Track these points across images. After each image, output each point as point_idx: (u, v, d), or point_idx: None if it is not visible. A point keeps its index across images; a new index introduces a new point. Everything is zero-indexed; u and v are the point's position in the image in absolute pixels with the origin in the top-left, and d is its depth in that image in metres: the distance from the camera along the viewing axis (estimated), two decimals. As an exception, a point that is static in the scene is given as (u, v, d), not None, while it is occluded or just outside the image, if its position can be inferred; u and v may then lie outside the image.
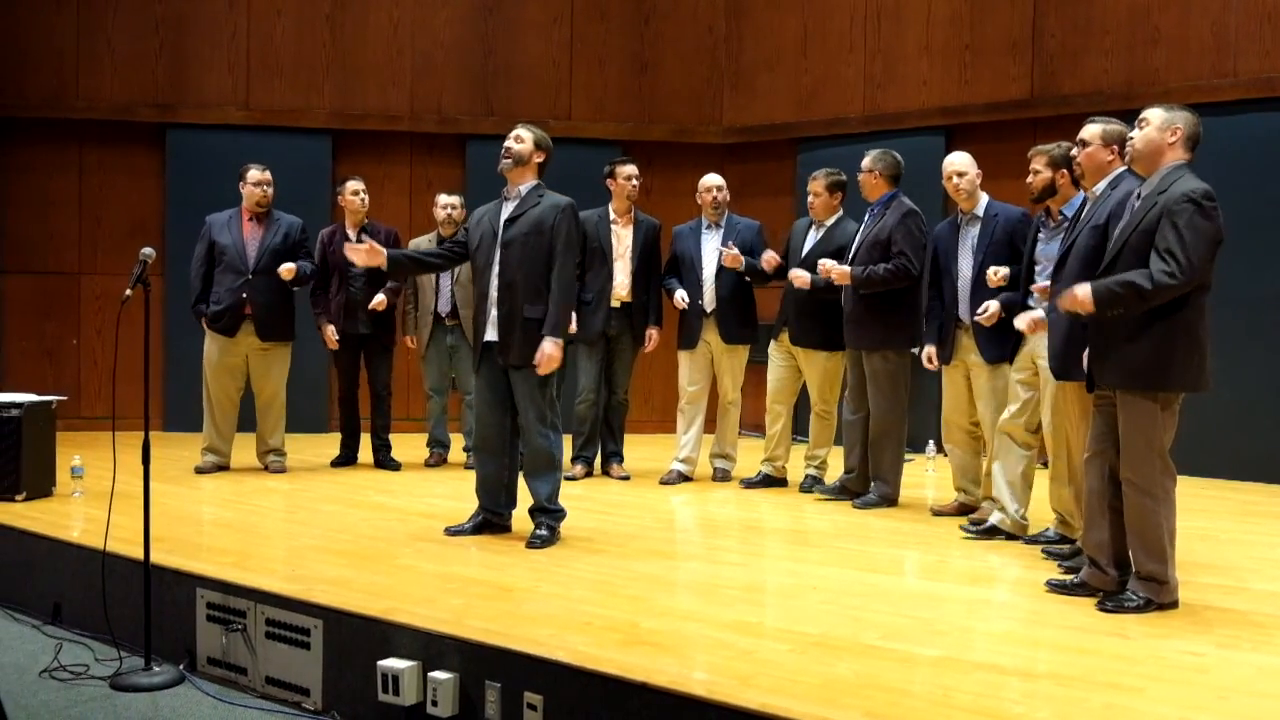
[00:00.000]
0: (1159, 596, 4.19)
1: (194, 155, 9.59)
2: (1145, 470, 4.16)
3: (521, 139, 5.28)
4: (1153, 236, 4.07)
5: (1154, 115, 4.24)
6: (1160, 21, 8.12)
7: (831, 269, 6.31)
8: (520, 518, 5.46)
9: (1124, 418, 4.20)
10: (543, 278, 5.20)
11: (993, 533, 5.54)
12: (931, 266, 6.11)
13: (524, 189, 5.29)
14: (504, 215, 5.28)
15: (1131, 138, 4.30)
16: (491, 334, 5.25)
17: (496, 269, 5.23)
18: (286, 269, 7.09)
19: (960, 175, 5.89)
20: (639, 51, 10.18)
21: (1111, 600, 4.22)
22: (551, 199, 5.27)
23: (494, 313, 5.23)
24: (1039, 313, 4.97)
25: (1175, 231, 4.01)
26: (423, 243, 7.63)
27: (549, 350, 5.11)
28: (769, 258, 6.80)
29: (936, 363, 6.04)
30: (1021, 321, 5.05)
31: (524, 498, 5.42)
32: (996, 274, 5.63)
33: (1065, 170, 5.32)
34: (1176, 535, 4.26)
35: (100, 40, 9.66)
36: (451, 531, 5.42)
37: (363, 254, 5.29)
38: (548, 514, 5.30)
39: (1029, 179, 5.41)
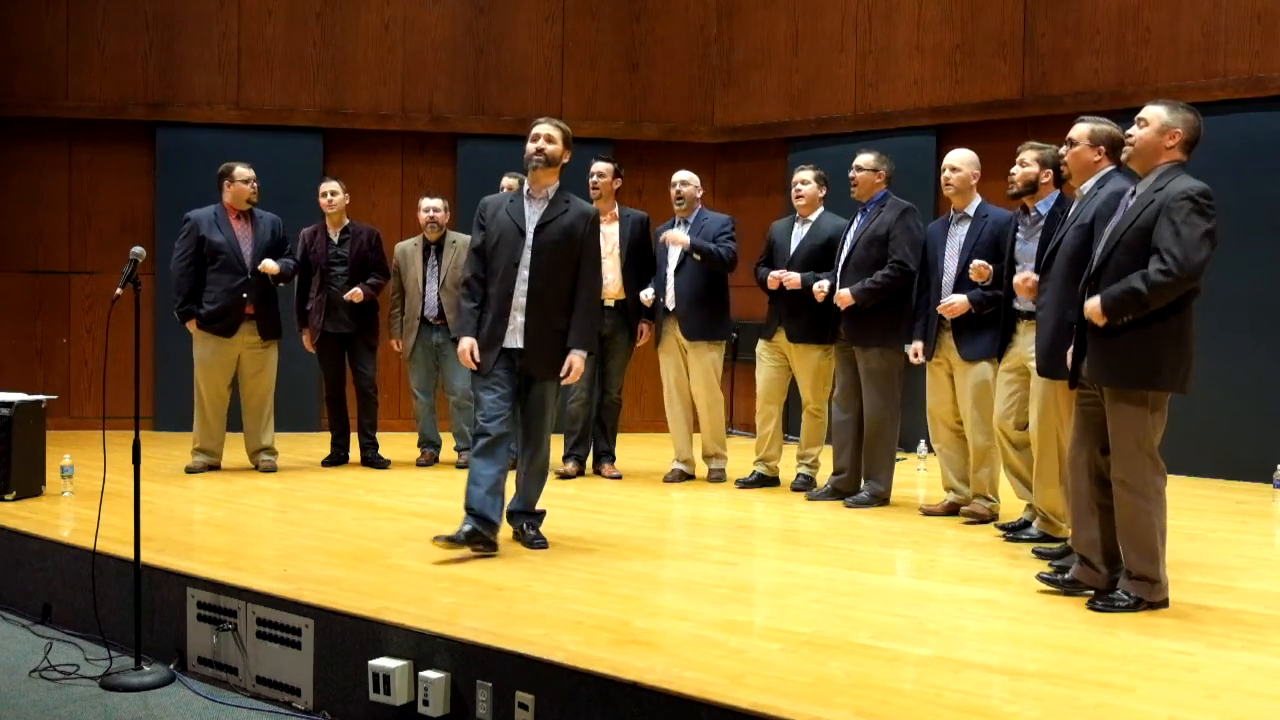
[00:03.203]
0: (1150, 596, 4.20)
1: (184, 154, 9.56)
2: (1136, 470, 4.17)
3: (553, 139, 5.08)
4: (1148, 234, 4.09)
5: (1155, 118, 4.24)
6: (1150, 21, 8.14)
7: (838, 297, 6.28)
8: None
9: (1114, 418, 4.21)
10: (568, 288, 5.10)
11: (1025, 527, 5.53)
12: (921, 263, 6.13)
13: (551, 191, 5.13)
14: (534, 218, 5.09)
15: (1131, 135, 4.31)
16: (515, 341, 5.04)
17: (525, 274, 5.03)
18: (269, 266, 7.08)
19: (954, 170, 5.90)
20: (630, 50, 10.18)
21: (1102, 599, 4.23)
22: (579, 206, 5.15)
23: (520, 319, 5.03)
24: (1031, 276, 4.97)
25: (1173, 228, 4.04)
26: (409, 247, 7.66)
27: (578, 365, 5.08)
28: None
29: (922, 357, 6.06)
30: (1019, 278, 5.06)
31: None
32: (976, 264, 5.65)
33: (1051, 170, 5.36)
34: (1167, 534, 4.28)
35: (90, 38, 9.63)
36: (440, 540, 4.92)
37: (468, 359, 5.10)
38: (536, 516, 5.28)
39: (1013, 170, 5.44)
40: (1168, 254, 4.01)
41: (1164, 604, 4.23)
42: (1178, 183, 4.12)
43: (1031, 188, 5.41)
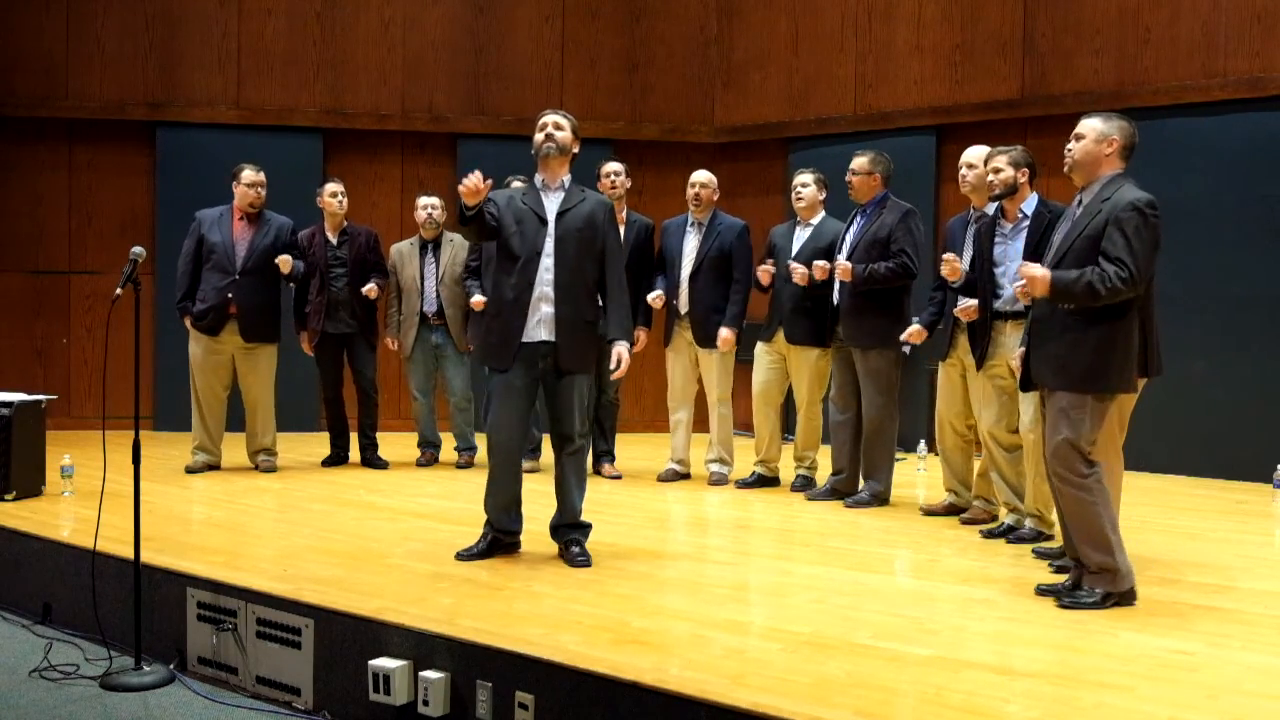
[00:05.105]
0: (1115, 587, 4.22)
1: (184, 154, 9.57)
2: (1070, 463, 4.23)
3: (561, 126, 4.96)
4: (1097, 241, 4.18)
5: (1090, 129, 4.34)
6: (1150, 21, 8.14)
7: (837, 266, 6.29)
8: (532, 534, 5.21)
9: (1054, 415, 4.28)
10: (595, 278, 4.98)
11: (1009, 532, 5.54)
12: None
13: (566, 181, 4.99)
14: (553, 207, 4.93)
15: (1069, 149, 4.39)
16: (542, 334, 4.85)
17: (549, 264, 4.86)
18: (284, 260, 7.08)
19: (970, 168, 5.87)
20: (630, 50, 10.19)
21: (1069, 596, 4.25)
22: (596, 196, 5.07)
23: (547, 310, 4.85)
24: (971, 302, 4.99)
25: (1124, 239, 4.14)
26: (405, 247, 7.67)
27: (626, 356, 4.96)
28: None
29: (916, 340, 6.10)
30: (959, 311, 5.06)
31: (534, 511, 5.24)
32: (947, 258, 5.66)
33: (1027, 170, 5.39)
34: (1119, 522, 4.33)
35: (90, 38, 9.64)
36: (463, 556, 4.93)
37: (472, 190, 4.63)
38: (583, 529, 5.05)
39: (989, 178, 5.47)
40: (1120, 263, 4.11)
41: (1131, 593, 4.26)
42: (1124, 192, 4.21)
43: (1012, 190, 5.43)
